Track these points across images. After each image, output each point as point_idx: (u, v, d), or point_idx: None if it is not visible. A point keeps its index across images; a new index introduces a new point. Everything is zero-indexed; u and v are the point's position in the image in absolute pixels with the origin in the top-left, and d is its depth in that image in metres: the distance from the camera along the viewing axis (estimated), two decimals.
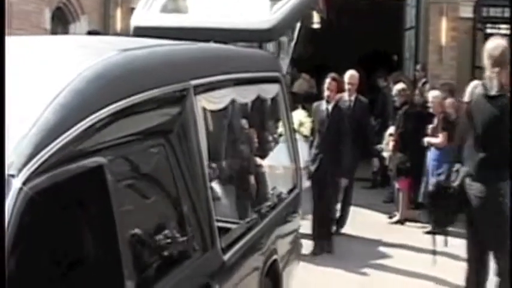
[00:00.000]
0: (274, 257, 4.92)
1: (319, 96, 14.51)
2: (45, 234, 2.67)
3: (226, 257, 3.94)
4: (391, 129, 10.39)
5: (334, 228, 9.08)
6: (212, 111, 4.23)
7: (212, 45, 4.61)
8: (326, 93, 8.64)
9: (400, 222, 10.20)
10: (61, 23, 12.94)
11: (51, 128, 2.69)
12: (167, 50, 3.90)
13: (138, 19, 5.85)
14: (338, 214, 9.44)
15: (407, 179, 10.27)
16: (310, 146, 8.54)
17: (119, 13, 13.56)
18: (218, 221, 4.07)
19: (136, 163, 3.34)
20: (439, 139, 9.61)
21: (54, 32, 12.47)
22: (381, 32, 16.58)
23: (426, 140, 9.73)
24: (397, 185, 10.47)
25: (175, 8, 6.07)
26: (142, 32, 5.43)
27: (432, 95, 9.94)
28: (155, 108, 3.44)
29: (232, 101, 4.52)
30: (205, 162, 3.87)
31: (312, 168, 8.30)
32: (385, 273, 7.95)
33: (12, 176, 2.49)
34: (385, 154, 10.55)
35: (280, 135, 5.68)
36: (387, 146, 10.42)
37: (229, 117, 4.76)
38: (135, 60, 3.40)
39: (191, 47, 4.27)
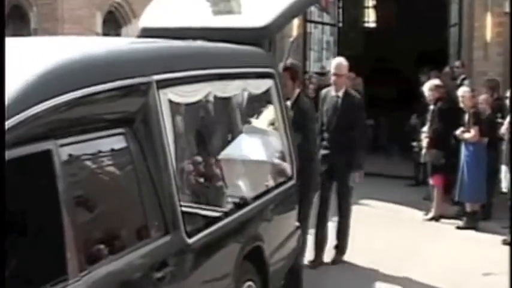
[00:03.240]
0: (258, 243, 5.16)
1: (365, 94, 14.70)
2: None
3: (192, 240, 4.21)
4: (426, 126, 10.44)
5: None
6: (183, 104, 4.52)
7: (184, 42, 4.89)
8: None
9: (435, 218, 10.22)
10: (113, 26, 13.47)
11: None
12: (130, 48, 4.21)
13: (145, 21, 6.22)
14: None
15: (442, 175, 10.29)
16: None
17: None
18: (188, 207, 4.38)
19: (92, 149, 3.67)
20: (471, 134, 9.64)
21: (106, 36, 13.00)
22: (433, 28, 16.55)
23: (458, 133, 9.76)
24: (431, 182, 10.50)
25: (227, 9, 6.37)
26: (148, 32, 5.79)
27: (461, 90, 9.96)
28: (113, 99, 3.75)
29: (208, 95, 4.79)
30: (170, 150, 4.14)
31: None
32: None
33: None
34: (422, 151, 10.66)
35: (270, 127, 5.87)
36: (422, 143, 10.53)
37: (205, 109, 5.03)
38: (91, 56, 3.72)
39: (158, 44, 4.58)
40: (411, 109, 13.05)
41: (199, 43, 5.07)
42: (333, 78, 7.81)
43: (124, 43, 4.44)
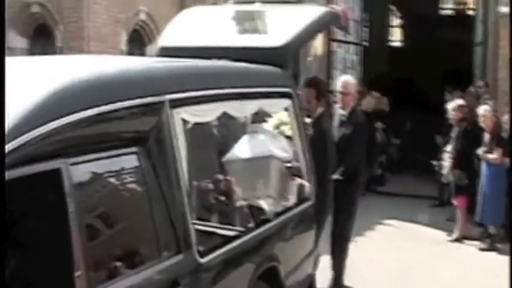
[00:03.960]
0: (273, 263, 5.14)
1: (391, 113, 14.66)
2: None
3: (204, 259, 4.20)
4: (449, 146, 10.36)
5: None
6: (197, 123, 4.53)
7: (199, 61, 4.91)
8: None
9: (458, 240, 10.11)
10: (137, 44, 13.59)
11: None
12: (143, 67, 4.23)
13: (164, 40, 6.26)
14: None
15: (466, 196, 10.19)
16: None
17: None
18: (201, 226, 4.39)
19: (104, 167, 3.68)
20: (494, 155, 9.54)
21: (130, 54, 13.13)
22: (458, 48, 16.49)
23: (480, 153, 9.67)
24: (455, 203, 10.40)
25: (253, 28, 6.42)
26: (167, 51, 5.82)
27: (481, 110, 9.87)
28: (125, 118, 3.77)
29: (223, 115, 4.79)
30: (183, 169, 4.14)
31: None
32: None
33: None
34: (444, 171, 10.57)
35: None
36: (445, 162, 10.45)
37: (219, 128, 5.05)
38: (103, 75, 3.74)
39: (172, 64, 4.60)
40: (436, 128, 12.97)
41: (213, 62, 5.09)
42: (339, 96, 7.49)
43: (138, 62, 4.47)
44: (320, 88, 6.79)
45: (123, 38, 13.38)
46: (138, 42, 13.67)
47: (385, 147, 14.83)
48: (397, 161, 15.78)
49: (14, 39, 13.21)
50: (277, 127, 5.76)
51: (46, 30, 13.25)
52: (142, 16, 13.79)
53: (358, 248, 8.23)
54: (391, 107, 14.96)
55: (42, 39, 13.30)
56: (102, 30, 12.81)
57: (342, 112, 7.35)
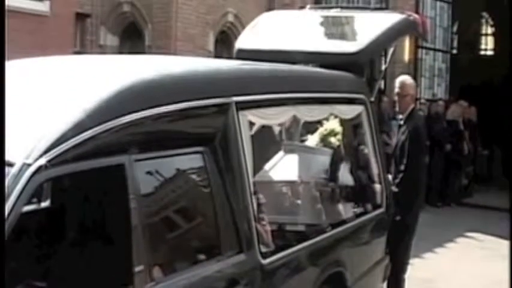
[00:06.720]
0: (339, 269, 5.12)
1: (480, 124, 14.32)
2: (55, 223, 3.13)
3: (266, 260, 4.22)
4: None
5: None
6: (265, 126, 4.56)
7: (269, 65, 4.94)
8: None
9: None
10: (225, 46, 13.72)
11: (69, 128, 3.13)
12: (210, 68, 4.29)
13: (241, 42, 6.33)
14: None
15: None
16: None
17: None
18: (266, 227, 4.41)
19: (167, 165, 3.75)
20: None
21: (218, 55, 13.28)
22: None
23: None
24: None
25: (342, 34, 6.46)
26: (244, 54, 5.89)
27: None
28: (190, 118, 3.84)
29: (292, 118, 4.81)
30: (248, 170, 4.18)
31: None
32: None
33: (28, 165, 2.94)
34: None
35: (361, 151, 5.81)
36: None
37: (288, 131, 5.06)
38: (169, 75, 3.83)
39: (240, 66, 4.65)
40: None
41: (285, 66, 5.11)
42: (396, 98, 6.74)
43: (206, 64, 4.54)
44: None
45: (211, 39, 13.56)
46: (226, 43, 13.80)
47: (473, 158, 14.52)
48: (486, 173, 15.40)
49: (105, 37, 13.61)
50: (323, 139, 5.53)
51: (135, 29, 13.57)
52: (230, 18, 13.93)
53: (436, 261, 8.07)
54: (480, 118, 14.61)
55: (132, 38, 13.62)
56: (190, 30, 13.02)
57: (400, 116, 6.76)
